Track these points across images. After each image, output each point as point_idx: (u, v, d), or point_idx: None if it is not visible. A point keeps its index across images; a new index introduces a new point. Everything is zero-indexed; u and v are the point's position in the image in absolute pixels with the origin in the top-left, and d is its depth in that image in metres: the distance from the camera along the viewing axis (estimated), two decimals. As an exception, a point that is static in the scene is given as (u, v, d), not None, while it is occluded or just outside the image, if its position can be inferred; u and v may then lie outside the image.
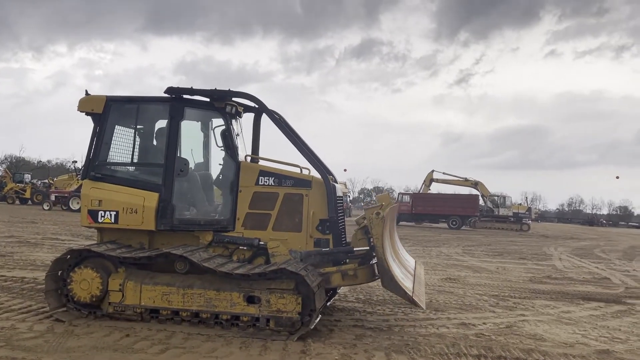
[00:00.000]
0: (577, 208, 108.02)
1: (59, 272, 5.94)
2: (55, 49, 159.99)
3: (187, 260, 5.69)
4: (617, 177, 74.04)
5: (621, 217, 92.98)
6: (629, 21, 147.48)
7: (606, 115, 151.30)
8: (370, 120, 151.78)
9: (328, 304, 6.80)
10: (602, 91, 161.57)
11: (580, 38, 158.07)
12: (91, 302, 5.78)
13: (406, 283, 5.82)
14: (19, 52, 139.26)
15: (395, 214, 7.97)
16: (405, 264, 6.75)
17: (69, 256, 5.94)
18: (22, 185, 40.22)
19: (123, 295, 5.73)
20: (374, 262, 5.96)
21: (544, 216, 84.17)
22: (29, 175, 45.50)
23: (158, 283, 5.69)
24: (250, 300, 5.54)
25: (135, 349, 4.87)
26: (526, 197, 67.93)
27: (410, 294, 5.59)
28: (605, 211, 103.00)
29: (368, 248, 6.09)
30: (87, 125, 6.50)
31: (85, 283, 5.77)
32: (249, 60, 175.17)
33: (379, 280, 5.85)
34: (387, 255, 5.68)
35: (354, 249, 6.14)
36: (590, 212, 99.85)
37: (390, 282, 5.59)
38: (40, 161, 75.95)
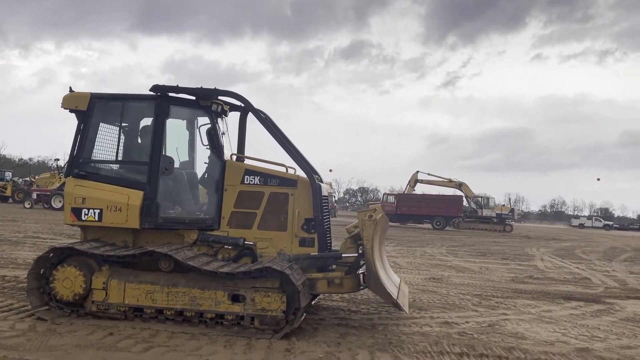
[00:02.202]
0: (559, 210, 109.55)
1: (42, 271, 5.87)
2: (43, 46, 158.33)
3: (171, 258, 5.67)
4: (599, 180, 75.08)
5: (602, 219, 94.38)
6: (613, 26, 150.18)
7: (589, 118, 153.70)
8: (357, 121, 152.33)
9: (313, 302, 6.82)
10: (585, 95, 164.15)
11: (565, 42, 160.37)
12: (74, 301, 5.73)
13: (391, 288, 5.88)
14: (5, 49, 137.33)
15: (387, 226, 7.99)
16: (390, 274, 6.81)
17: (51, 254, 5.89)
18: (3, 183, 39.56)
19: (106, 293, 5.69)
20: (360, 272, 6.00)
21: (526, 217, 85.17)
22: (10, 173, 44.78)
23: (142, 281, 5.67)
24: (235, 298, 5.54)
25: (119, 348, 4.84)
26: (509, 199, 68.61)
27: (395, 297, 5.65)
28: (586, 213, 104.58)
29: (357, 255, 6.12)
30: (70, 122, 6.46)
31: (68, 281, 5.72)
32: (237, 61, 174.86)
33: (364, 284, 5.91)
34: (376, 259, 5.71)
35: (343, 255, 6.17)
36: (571, 213, 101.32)
37: (377, 285, 5.62)
38: (22, 159, 74.86)
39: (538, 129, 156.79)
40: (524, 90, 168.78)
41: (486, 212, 39.92)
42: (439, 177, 40.70)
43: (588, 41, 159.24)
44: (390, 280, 6.49)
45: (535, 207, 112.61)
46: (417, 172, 41.06)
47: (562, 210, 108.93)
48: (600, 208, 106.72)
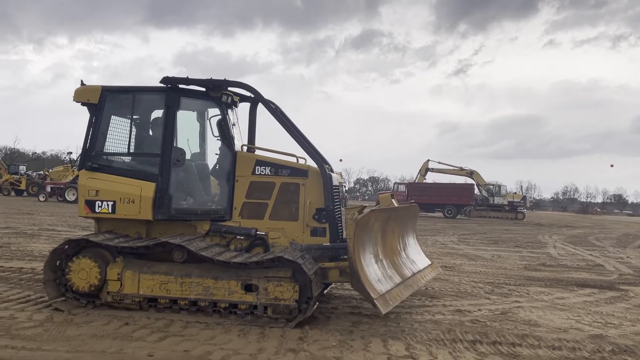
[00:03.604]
0: (572, 196, 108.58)
1: (57, 262, 5.96)
2: (56, 40, 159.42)
3: (184, 249, 5.72)
4: (612, 166, 74.53)
5: (615, 205, 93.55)
6: (627, 11, 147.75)
7: (602, 104, 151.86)
8: (367, 110, 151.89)
9: (325, 291, 6.86)
10: (598, 80, 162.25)
11: (578, 28, 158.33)
12: (90, 292, 5.81)
13: (378, 285, 5.70)
14: (19, 44, 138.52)
15: (414, 214, 7.92)
16: (400, 266, 6.69)
17: (67, 246, 5.96)
18: (18, 176, 40.14)
19: (121, 284, 5.76)
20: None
21: (538, 205, 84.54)
22: (24, 167, 45.35)
23: (156, 272, 5.73)
24: (248, 288, 5.58)
25: (135, 337, 4.91)
26: (521, 186, 68.00)
27: (374, 296, 5.43)
28: (599, 199, 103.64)
29: None
30: (82, 116, 6.51)
31: (83, 273, 5.80)
32: (248, 52, 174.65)
33: None
34: (360, 256, 5.56)
35: None
36: (584, 200, 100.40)
37: (357, 283, 5.52)
38: (35, 153, 75.65)
39: (550, 115, 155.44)
40: (536, 76, 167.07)
41: (498, 200, 39.64)
42: (449, 165, 40.51)
43: (602, 26, 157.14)
44: (396, 272, 6.38)
45: (547, 195, 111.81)
46: (428, 160, 40.89)
47: (575, 197, 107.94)
48: (614, 194, 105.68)
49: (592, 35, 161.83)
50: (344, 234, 6.21)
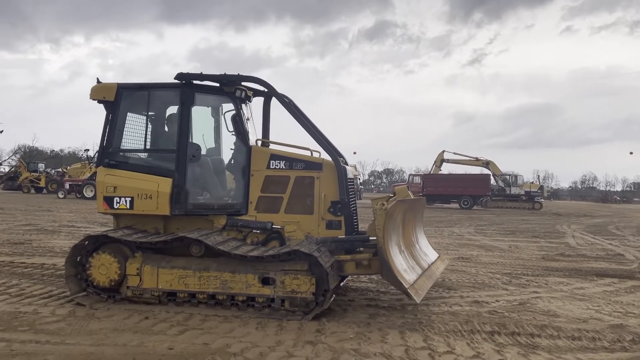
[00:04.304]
0: (591, 185, 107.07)
1: (78, 258, 6.06)
2: (73, 39, 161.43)
3: (202, 243, 5.78)
4: (631, 153, 72.68)
5: (635, 194, 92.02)
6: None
7: (621, 91, 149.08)
8: (381, 102, 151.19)
9: (341, 284, 6.88)
10: (617, 67, 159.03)
11: (595, 13, 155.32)
12: (110, 287, 5.91)
13: (407, 275, 5.77)
14: (36, 44, 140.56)
15: (422, 206, 7.94)
16: (418, 257, 6.74)
17: (87, 242, 6.06)
18: (37, 174, 40.77)
19: (141, 279, 5.84)
20: None
21: (556, 194, 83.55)
22: (43, 165, 46.04)
23: (174, 267, 5.80)
24: (265, 281, 5.63)
25: (155, 331, 4.99)
26: (538, 176, 67.34)
27: (406, 285, 5.49)
28: (619, 188, 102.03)
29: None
30: (99, 113, 6.59)
31: (103, 268, 5.90)
32: (262, 46, 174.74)
33: None
34: (389, 247, 5.65)
35: (370, 237, 6.17)
36: (603, 189, 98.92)
37: (388, 273, 5.56)
38: (53, 150, 76.76)
39: (567, 103, 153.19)
40: (553, 64, 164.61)
41: (514, 190, 39.27)
42: (465, 155, 40.17)
43: (619, 11, 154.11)
44: (415, 263, 6.42)
45: (565, 184, 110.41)
46: (443, 151, 40.60)
47: (594, 186, 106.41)
48: (634, 183, 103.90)
49: (610, 21, 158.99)
50: (359, 227, 6.22)
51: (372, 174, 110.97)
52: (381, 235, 5.54)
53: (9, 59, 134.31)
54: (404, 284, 5.48)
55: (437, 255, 7.60)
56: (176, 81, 6.29)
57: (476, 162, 39.91)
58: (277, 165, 6.30)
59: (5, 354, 4.27)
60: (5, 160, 63.50)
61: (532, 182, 44.23)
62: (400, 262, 5.91)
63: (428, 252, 7.37)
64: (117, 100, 6.42)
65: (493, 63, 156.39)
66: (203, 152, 6.59)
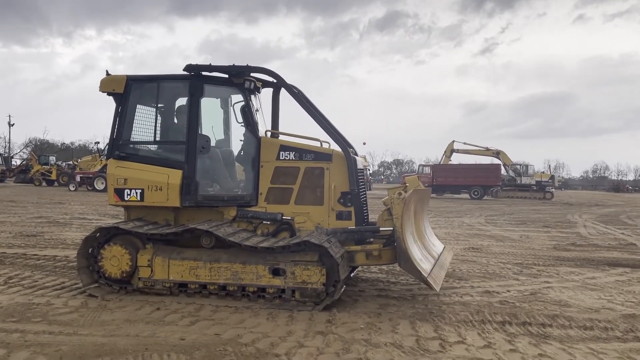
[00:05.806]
0: (602, 175, 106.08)
1: (90, 250, 6.11)
2: (84, 33, 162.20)
3: (212, 235, 5.80)
4: (644, 142, 71.89)
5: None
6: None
7: (634, 79, 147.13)
8: (391, 92, 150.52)
9: (352, 274, 6.88)
10: (631, 55, 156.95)
11: (609, 1, 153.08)
12: (122, 278, 5.95)
13: (423, 265, 5.80)
14: (49, 38, 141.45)
15: (428, 197, 7.93)
16: (429, 248, 6.76)
17: (98, 234, 6.10)
18: (48, 167, 41.13)
19: (152, 270, 5.88)
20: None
21: (567, 184, 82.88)
22: (54, 157, 46.43)
23: (185, 258, 5.83)
24: (276, 272, 5.64)
25: (167, 322, 5.02)
26: (549, 165, 66.77)
27: (425, 275, 5.54)
28: (631, 177, 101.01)
29: (394, 228, 6.10)
30: (109, 106, 6.60)
31: (115, 259, 5.94)
32: (272, 37, 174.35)
33: None
34: (406, 236, 5.68)
35: (380, 228, 6.16)
36: (615, 178, 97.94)
37: (407, 263, 5.58)
38: (64, 143, 77.36)
39: (580, 92, 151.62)
40: (565, 53, 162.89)
41: (525, 180, 39.03)
42: (475, 145, 39.92)
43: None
44: (428, 254, 6.44)
45: (577, 174, 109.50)
46: (453, 141, 40.36)
47: (605, 175, 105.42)
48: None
49: (624, 9, 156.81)
50: (369, 217, 6.21)
51: (381, 164, 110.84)
52: (399, 225, 5.55)
53: (22, 53, 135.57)
54: (423, 273, 5.50)
55: (443, 246, 7.60)
56: (185, 73, 6.28)
57: (486, 152, 39.65)
58: (286, 156, 6.28)
59: (19, 344, 4.33)
60: (17, 154, 64.12)
61: (543, 172, 43.85)
62: (416, 251, 5.92)
63: (435, 243, 7.38)
64: (127, 92, 6.42)
65: (505, 52, 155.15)
66: (212, 143, 6.59)
